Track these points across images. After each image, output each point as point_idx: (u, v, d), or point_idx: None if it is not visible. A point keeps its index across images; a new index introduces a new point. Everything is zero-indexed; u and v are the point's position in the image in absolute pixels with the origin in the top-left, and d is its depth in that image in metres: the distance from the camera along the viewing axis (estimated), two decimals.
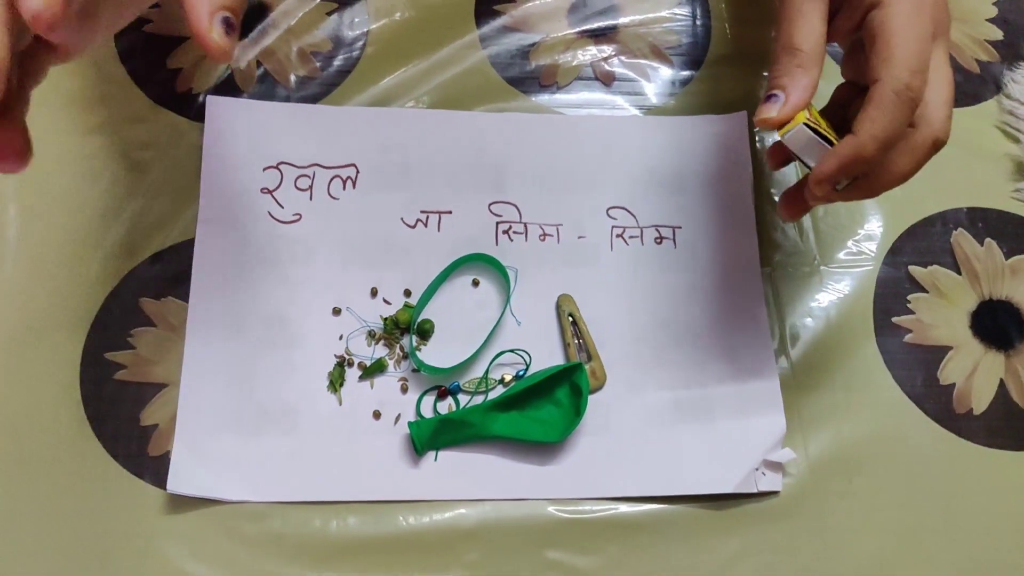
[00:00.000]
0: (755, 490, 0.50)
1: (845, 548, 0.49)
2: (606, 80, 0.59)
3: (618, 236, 0.55)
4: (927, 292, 0.56)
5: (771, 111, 0.41)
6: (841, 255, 0.56)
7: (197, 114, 0.56)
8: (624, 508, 0.50)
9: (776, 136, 0.42)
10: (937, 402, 0.53)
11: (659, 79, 0.60)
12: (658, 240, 0.55)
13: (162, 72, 0.57)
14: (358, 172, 0.55)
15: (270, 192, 0.54)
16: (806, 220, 0.57)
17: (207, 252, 0.52)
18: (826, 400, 0.53)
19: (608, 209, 0.56)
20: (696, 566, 0.49)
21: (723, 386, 0.52)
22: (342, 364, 0.51)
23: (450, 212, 0.55)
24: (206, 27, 0.31)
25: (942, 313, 0.55)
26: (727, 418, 0.51)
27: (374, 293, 0.53)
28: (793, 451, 0.51)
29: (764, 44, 0.61)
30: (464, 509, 0.49)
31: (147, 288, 0.52)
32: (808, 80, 0.41)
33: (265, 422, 0.50)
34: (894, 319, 0.55)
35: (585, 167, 0.56)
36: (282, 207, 0.54)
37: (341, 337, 0.52)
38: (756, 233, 0.56)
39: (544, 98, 0.59)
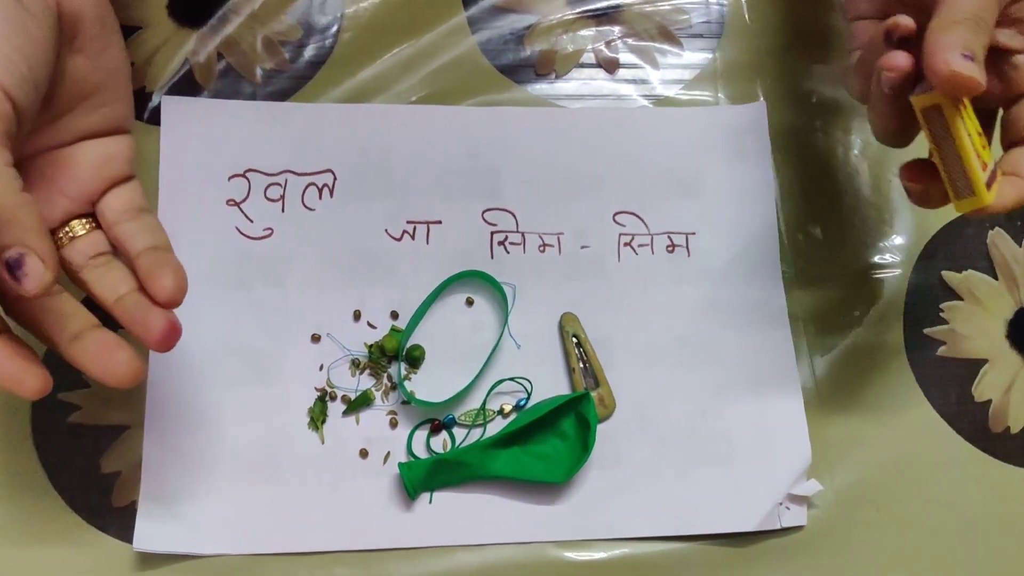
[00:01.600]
0: (778, 526, 0.47)
1: None
2: (610, 67, 0.54)
3: (626, 245, 0.51)
4: (962, 299, 0.52)
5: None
6: (869, 260, 0.52)
7: (152, 116, 0.50)
8: (637, 549, 0.46)
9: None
10: (972, 421, 0.50)
11: (669, 65, 0.54)
12: (670, 248, 0.51)
13: None
14: (335, 179, 0.50)
15: (237, 204, 0.49)
16: (831, 222, 0.53)
17: None
18: (853, 422, 0.49)
19: (614, 215, 0.51)
20: None
21: (744, 412, 0.49)
22: (323, 398, 0.47)
23: (440, 222, 0.50)
24: None
25: (978, 323, 0.51)
26: (748, 448, 0.48)
27: (357, 316, 0.48)
28: (819, 482, 0.47)
29: (788, 23, 0.55)
30: (463, 555, 0.45)
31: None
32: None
33: (240, 466, 0.46)
34: (926, 331, 0.51)
35: (588, 167, 0.52)
36: (251, 221, 0.49)
37: (322, 367, 0.47)
38: (778, 238, 0.51)
39: (541, 88, 0.53)
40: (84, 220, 0.37)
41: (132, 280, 0.36)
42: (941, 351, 0.51)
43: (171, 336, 0.35)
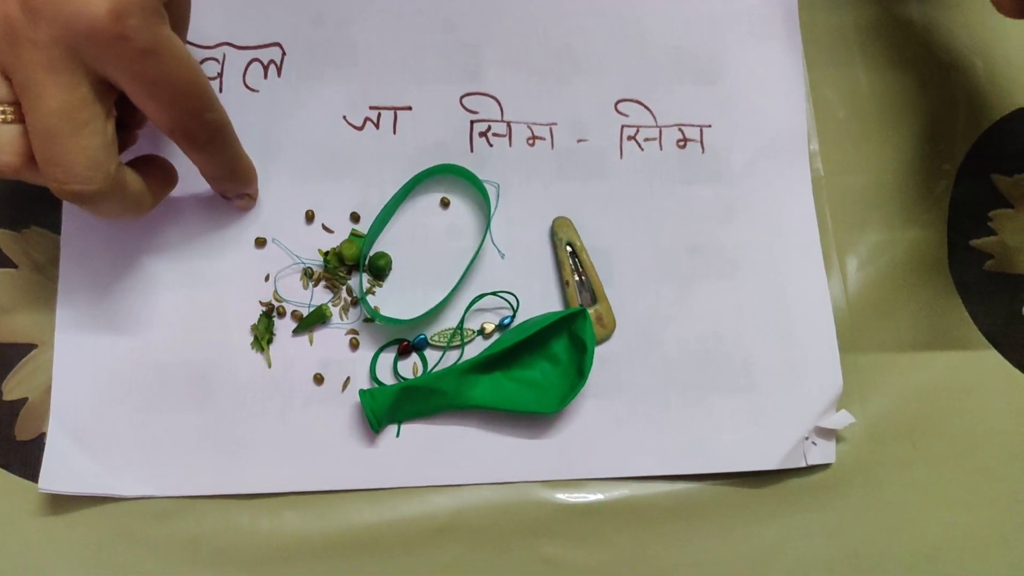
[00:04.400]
0: (804, 464, 0.41)
1: (907, 526, 0.42)
2: None
3: (630, 139, 0.44)
4: (1012, 207, 0.46)
5: None
6: (909, 161, 0.46)
7: None
8: (640, 490, 0.41)
9: None
10: (1019, 343, 0.45)
11: None
12: (681, 143, 0.44)
13: None
14: (284, 54, 0.43)
15: None
16: (866, 112, 0.46)
17: None
18: (889, 346, 0.44)
19: (616, 103, 0.44)
20: (728, 558, 0.41)
21: (765, 334, 0.43)
22: (269, 314, 0.40)
23: (409, 108, 0.43)
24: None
25: None
26: (769, 375, 0.42)
27: (310, 218, 0.42)
28: (849, 413, 0.42)
29: None
30: (436, 498, 0.40)
31: (1, 216, 0.41)
32: None
33: (168, 392, 0.39)
34: (972, 242, 0.46)
35: (585, 46, 0.45)
36: None
37: (267, 277, 0.41)
38: (807, 129, 0.45)
39: None
40: None
41: None
42: (988, 265, 0.46)
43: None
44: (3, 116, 0.30)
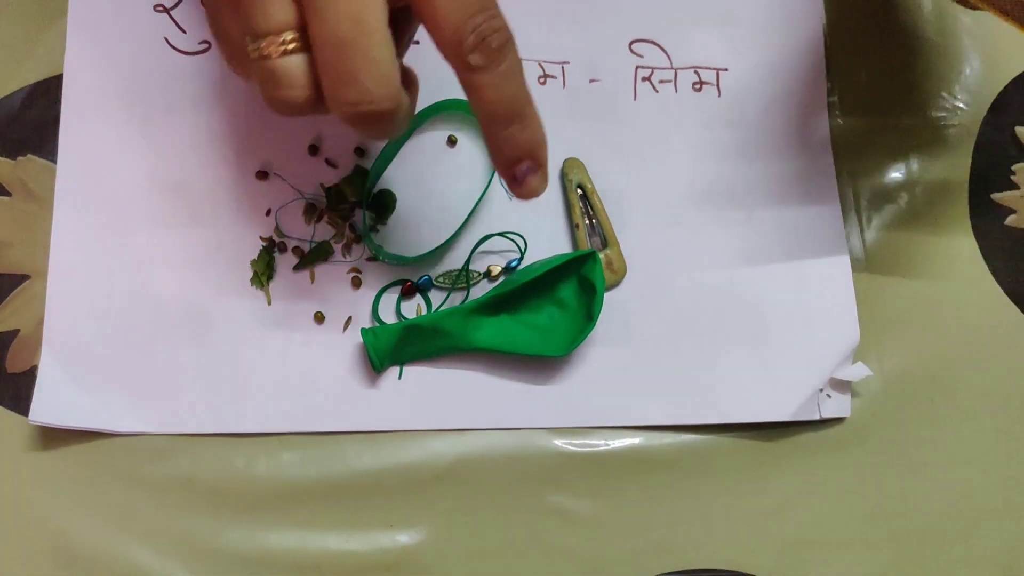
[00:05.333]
0: (817, 417, 0.40)
1: (925, 485, 0.41)
2: None
3: (644, 80, 0.43)
4: None
5: None
6: (930, 111, 0.45)
7: None
8: (648, 440, 0.40)
9: None
10: None
11: None
12: (697, 86, 0.43)
13: None
14: None
15: (167, 10, 0.42)
16: (887, 63, 0.45)
17: (81, 92, 0.41)
18: (907, 298, 0.43)
19: (631, 43, 0.43)
20: (738, 512, 0.40)
21: (780, 282, 0.41)
22: (270, 249, 0.39)
23: (417, 43, 0.42)
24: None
25: None
26: (784, 324, 0.41)
27: (313, 151, 0.41)
28: (866, 366, 0.41)
29: None
30: (438, 443, 0.39)
31: None
32: None
33: (165, 327, 0.39)
34: (994, 196, 0.44)
35: None
36: (184, 32, 0.41)
37: (268, 212, 0.40)
38: (825, 74, 0.44)
39: None
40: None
41: None
42: (1010, 220, 0.44)
43: None
44: (287, 45, 0.27)
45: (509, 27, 0.28)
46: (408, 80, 0.32)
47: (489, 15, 0.27)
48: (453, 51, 0.28)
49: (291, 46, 0.27)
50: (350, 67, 0.27)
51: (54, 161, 0.39)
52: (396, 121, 0.29)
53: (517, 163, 0.30)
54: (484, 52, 0.28)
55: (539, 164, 0.31)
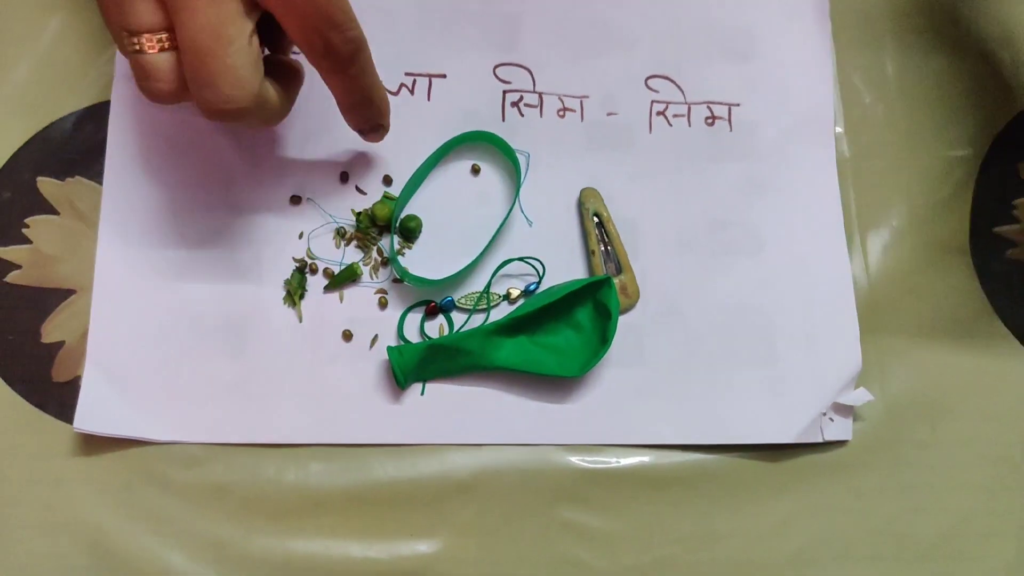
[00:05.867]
0: (820, 439, 0.41)
1: (925, 509, 0.42)
2: None
3: (659, 114, 0.44)
4: None
5: None
6: (935, 144, 0.46)
7: None
8: (657, 458, 0.41)
9: None
10: None
11: None
12: (710, 120, 0.44)
13: None
14: None
15: None
16: (893, 96, 0.46)
17: (127, 117, 0.42)
18: (909, 326, 0.44)
19: (647, 79, 0.45)
20: (742, 529, 0.41)
21: (787, 309, 0.43)
22: (303, 270, 0.41)
23: (444, 76, 0.43)
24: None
25: None
26: (790, 350, 0.42)
27: (344, 179, 0.42)
28: (868, 391, 0.42)
29: None
30: (457, 456, 0.40)
31: (47, 165, 0.42)
32: None
33: (203, 341, 0.40)
34: (995, 229, 0.45)
35: (619, 20, 0.45)
36: None
37: (301, 235, 0.41)
38: (833, 110, 0.45)
39: None
40: None
41: None
42: (1011, 253, 0.45)
43: None
44: (160, 44, 0.31)
45: (360, 36, 0.33)
46: (290, 74, 0.37)
47: (339, 30, 0.32)
48: (310, 58, 0.33)
49: (164, 44, 0.31)
50: (208, 72, 0.30)
51: (100, 183, 0.41)
52: (257, 115, 0.33)
53: (364, 127, 0.38)
54: (335, 61, 0.33)
55: (381, 127, 0.38)
